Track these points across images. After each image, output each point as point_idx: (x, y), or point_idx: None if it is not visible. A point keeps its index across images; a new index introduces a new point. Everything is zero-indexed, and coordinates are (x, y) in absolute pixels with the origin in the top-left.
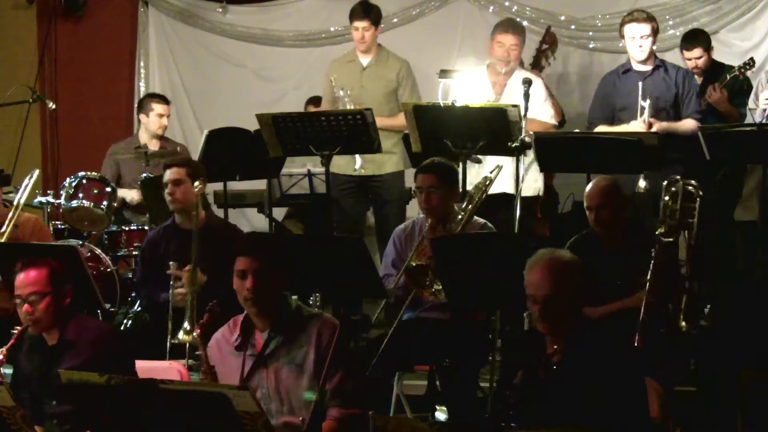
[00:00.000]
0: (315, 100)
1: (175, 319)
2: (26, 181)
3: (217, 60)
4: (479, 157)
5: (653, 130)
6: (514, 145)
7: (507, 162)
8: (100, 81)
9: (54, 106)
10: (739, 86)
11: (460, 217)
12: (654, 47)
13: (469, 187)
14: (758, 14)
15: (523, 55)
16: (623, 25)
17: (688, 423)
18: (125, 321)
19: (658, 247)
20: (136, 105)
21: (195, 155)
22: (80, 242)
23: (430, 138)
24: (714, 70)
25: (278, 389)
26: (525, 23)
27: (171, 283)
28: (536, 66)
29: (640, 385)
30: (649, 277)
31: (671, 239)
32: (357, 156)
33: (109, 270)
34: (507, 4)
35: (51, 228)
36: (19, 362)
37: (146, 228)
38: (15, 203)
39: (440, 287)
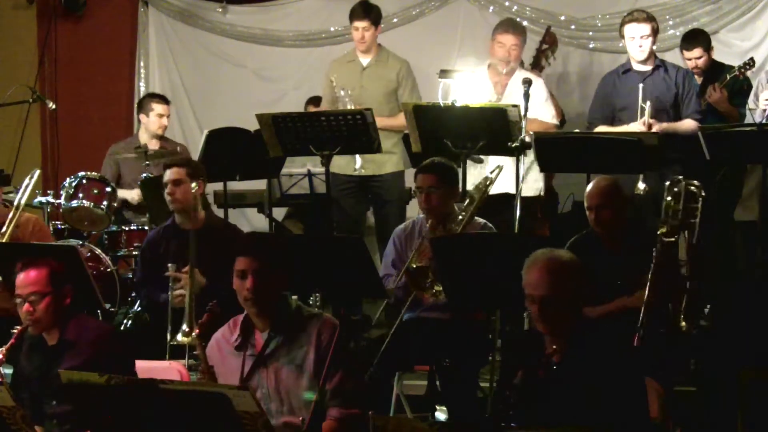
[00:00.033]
0: (315, 100)
1: (175, 320)
2: (27, 180)
3: (217, 60)
4: (481, 157)
5: (653, 130)
6: (514, 145)
7: (508, 162)
8: (100, 81)
9: (54, 106)
10: (739, 86)
11: (460, 217)
12: (654, 47)
13: (470, 188)
14: (758, 14)
15: (523, 55)
16: (623, 25)
17: (688, 423)
18: (125, 321)
19: (660, 247)
20: (136, 105)
21: (195, 155)
22: (80, 242)
23: (430, 138)
24: (714, 70)
25: (278, 389)
26: (525, 23)
27: (170, 284)
28: (536, 66)
29: (640, 385)
30: (649, 277)
31: (673, 239)
32: (357, 156)
33: (109, 270)
34: (507, 4)
35: (51, 228)
36: (19, 362)
37: (146, 228)
38: (16, 203)
39: (441, 289)
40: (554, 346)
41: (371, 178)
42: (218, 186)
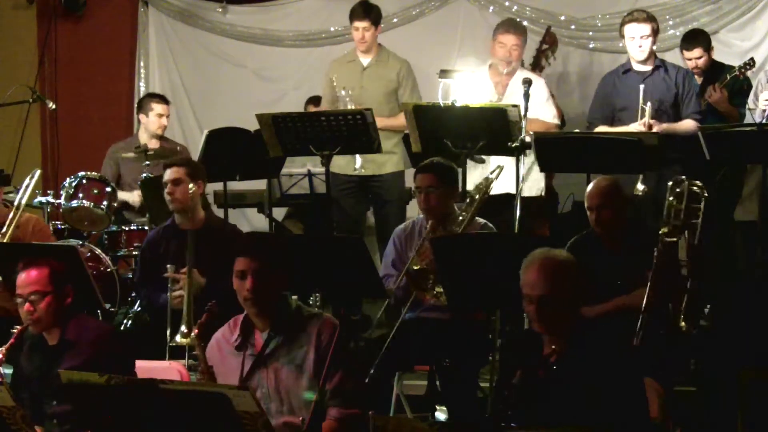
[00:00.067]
0: (315, 100)
1: (174, 321)
2: (27, 180)
3: (217, 60)
4: (482, 157)
5: (654, 131)
6: (514, 145)
7: (510, 162)
8: (100, 81)
9: (54, 106)
10: (739, 86)
11: (461, 218)
12: (654, 47)
13: (471, 188)
14: (758, 14)
15: (524, 55)
16: (623, 25)
17: (688, 423)
18: (125, 321)
19: (661, 247)
20: (135, 105)
21: (195, 155)
22: (80, 242)
23: (430, 138)
24: (714, 70)
25: (278, 389)
26: (525, 23)
27: (169, 285)
28: (536, 66)
29: (640, 385)
30: (650, 277)
31: (675, 239)
32: (357, 156)
33: (109, 270)
34: (507, 4)
35: (51, 228)
36: (19, 362)
37: (146, 228)
38: (16, 203)
39: (442, 290)
40: (553, 346)
41: (371, 178)
42: (218, 186)
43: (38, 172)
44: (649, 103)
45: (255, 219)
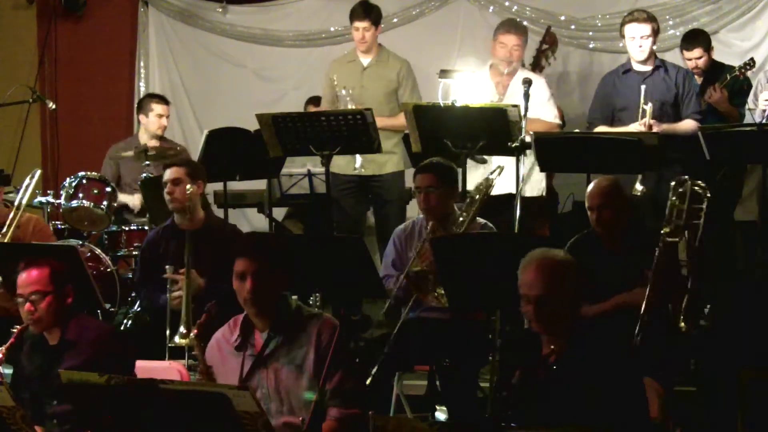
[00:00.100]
0: (315, 100)
1: (173, 322)
2: (27, 180)
3: (217, 60)
4: (484, 157)
5: (654, 131)
6: (514, 145)
7: (511, 162)
8: (100, 81)
9: (54, 106)
10: (739, 86)
11: (461, 218)
12: (654, 47)
13: (471, 188)
14: (758, 14)
15: (524, 55)
16: (623, 25)
17: (688, 423)
18: (125, 321)
19: (662, 247)
20: (135, 105)
21: (195, 155)
22: (80, 242)
23: (430, 138)
24: (714, 70)
25: (278, 389)
26: (525, 23)
27: (168, 286)
28: (536, 66)
29: (640, 385)
30: (650, 277)
31: (676, 239)
32: (357, 156)
33: (109, 270)
34: (507, 4)
35: (51, 228)
36: (20, 362)
37: (146, 228)
38: (17, 203)
39: (443, 292)
40: (552, 346)
41: (371, 178)
42: (218, 186)
43: (38, 172)
44: (650, 104)
45: (255, 219)
